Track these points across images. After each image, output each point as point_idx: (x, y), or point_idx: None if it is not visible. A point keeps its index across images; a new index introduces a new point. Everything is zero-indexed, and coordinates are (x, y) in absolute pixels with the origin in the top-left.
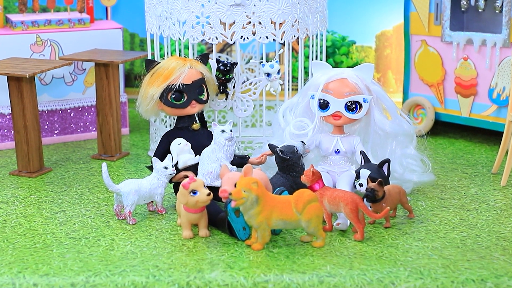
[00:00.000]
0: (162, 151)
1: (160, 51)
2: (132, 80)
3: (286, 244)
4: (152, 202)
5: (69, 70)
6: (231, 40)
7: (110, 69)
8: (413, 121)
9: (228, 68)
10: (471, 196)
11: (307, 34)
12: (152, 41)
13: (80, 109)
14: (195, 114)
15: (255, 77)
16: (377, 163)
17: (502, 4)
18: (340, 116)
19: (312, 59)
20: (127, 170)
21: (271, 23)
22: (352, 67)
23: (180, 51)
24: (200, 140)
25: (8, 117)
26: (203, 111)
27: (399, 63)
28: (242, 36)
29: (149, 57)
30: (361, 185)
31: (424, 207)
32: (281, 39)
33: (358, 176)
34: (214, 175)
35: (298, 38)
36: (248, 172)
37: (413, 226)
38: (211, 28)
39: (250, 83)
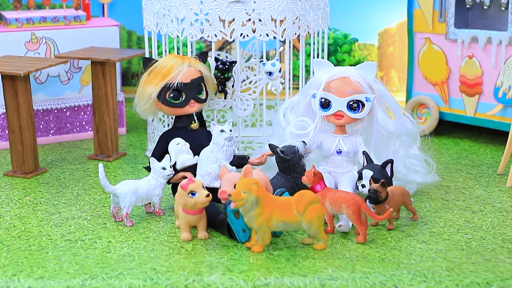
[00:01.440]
0: (160, 152)
1: (158, 49)
2: (130, 78)
3: (287, 246)
4: (150, 203)
5: (65, 68)
6: (231, 37)
7: (107, 68)
8: (417, 121)
9: (227, 66)
10: (476, 197)
11: (308, 32)
12: (149, 39)
13: (76, 108)
14: (194, 113)
15: (255, 75)
16: (380, 164)
17: (508, 1)
18: (342, 116)
19: (314, 57)
20: (124, 170)
21: (272, 21)
22: (354, 65)
23: (178, 49)
24: (199, 140)
25: (2, 116)
26: (202, 110)
27: (402, 62)
28: (241, 34)
29: (147, 55)
30: (363, 186)
31: (428, 208)
32: (282, 37)
33: (360, 177)
34: (213, 175)
35: (299, 35)
36: (248, 172)
37: (416, 228)
38: (210, 25)
39: (250, 82)
